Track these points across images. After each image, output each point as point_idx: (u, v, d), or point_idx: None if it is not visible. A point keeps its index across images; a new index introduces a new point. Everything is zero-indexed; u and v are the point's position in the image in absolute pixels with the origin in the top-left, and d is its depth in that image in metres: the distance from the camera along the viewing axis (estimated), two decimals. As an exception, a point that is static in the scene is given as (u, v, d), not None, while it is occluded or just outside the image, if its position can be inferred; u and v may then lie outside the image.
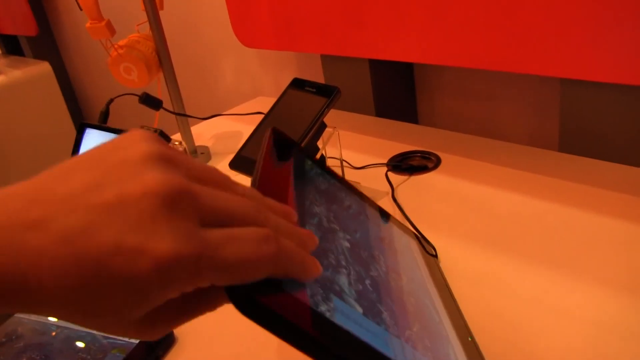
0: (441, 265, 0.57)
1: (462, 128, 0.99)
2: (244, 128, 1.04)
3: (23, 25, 1.85)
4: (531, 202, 0.66)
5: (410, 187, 0.74)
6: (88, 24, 0.85)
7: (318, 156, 0.71)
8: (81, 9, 0.83)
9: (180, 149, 0.88)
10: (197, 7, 1.37)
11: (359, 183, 0.76)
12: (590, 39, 0.62)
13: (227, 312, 0.27)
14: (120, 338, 0.51)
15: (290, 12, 0.96)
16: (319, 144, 0.70)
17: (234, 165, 0.71)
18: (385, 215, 0.52)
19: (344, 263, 0.34)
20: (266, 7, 1.00)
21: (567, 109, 0.75)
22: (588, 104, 0.73)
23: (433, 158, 0.79)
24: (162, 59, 0.89)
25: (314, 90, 0.71)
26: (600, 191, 0.66)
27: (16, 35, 2.05)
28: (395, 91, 1.03)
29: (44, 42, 2.01)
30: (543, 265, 0.56)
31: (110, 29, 0.84)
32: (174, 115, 0.93)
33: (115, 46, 0.87)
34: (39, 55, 1.99)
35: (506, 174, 0.73)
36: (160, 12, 0.90)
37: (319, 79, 1.12)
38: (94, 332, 0.52)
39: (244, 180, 0.65)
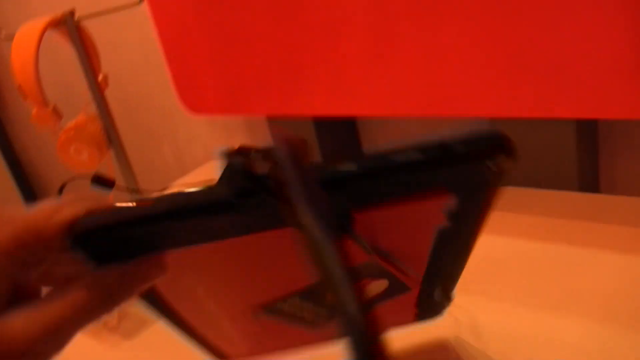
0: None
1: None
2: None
3: None
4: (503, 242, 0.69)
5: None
6: (34, 112, 0.86)
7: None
8: (25, 98, 0.85)
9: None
10: (143, 78, 1.40)
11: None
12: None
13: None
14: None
15: (232, 75, 1.00)
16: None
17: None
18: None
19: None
20: (208, 73, 1.04)
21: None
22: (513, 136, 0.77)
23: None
24: (110, 138, 0.91)
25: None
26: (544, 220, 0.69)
27: None
28: (342, 148, 1.07)
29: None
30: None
31: (57, 114, 0.86)
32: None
33: (64, 130, 0.89)
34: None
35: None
36: (107, 90, 0.93)
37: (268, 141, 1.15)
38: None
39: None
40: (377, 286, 0.39)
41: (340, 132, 1.06)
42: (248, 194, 0.26)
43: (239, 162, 0.27)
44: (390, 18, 0.73)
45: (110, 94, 0.93)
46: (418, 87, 0.75)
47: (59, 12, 0.83)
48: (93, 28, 0.94)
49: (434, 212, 0.32)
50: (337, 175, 0.27)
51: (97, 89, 0.88)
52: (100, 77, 0.90)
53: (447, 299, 0.43)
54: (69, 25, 0.82)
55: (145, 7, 1.02)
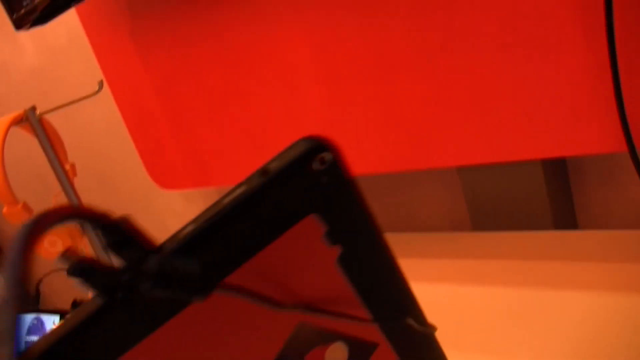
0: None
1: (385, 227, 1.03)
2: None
3: None
4: (455, 289, 0.70)
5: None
6: (5, 210, 0.86)
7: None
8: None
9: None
10: (111, 160, 1.41)
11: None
12: (461, 127, 0.70)
13: None
14: None
15: (199, 149, 1.02)
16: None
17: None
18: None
19: None
20: (175, 148, 1.05)
21: (468, 189, 0.82)
22: (483, 181, 0.80)
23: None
24: (83, 225, 0.91)
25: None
26: (522, 263, 0.70)
27: None
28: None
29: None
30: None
31: (28, 210, 0.86)
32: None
33: (35, 223, 0.89)
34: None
35: (429, 265, 0.77)
36: (75, 177, 0.93)
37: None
38: None
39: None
40: (335, 354, 0.38)
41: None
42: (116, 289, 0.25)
43: (86, 266, 0.25)
44: (342, 85, 0.76)
45: (80, 181, 0.93)
46: (383, 145, 0.78)
47: (20, 109, 0.84)
48: (57, 119, 0.95)
49: (314, 244, 0.30)
50: (180, 240, 0.26)
51: (66, 178, 0.88)
52: (67, 166, 0.91)
53: (426, 325, 0.40)
54: (32, 121, 0.83)
55: (105, 92, 1.04)
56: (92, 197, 1.02)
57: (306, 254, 0.30)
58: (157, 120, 1.02)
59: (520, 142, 0.66)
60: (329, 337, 0.35)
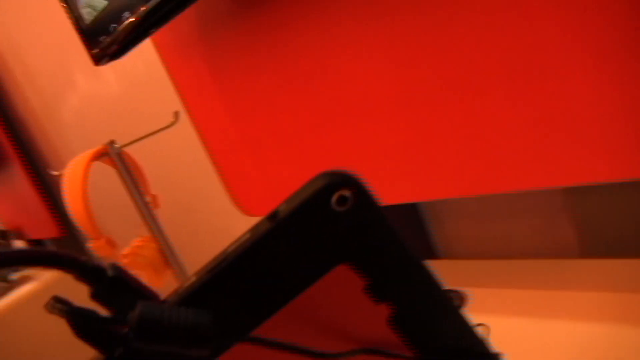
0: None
1: (481, 252, 0.96)
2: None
3: (47, 228, 1.92)
4: (580, 326, 0.61)
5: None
6: (91, 244, 0.87)
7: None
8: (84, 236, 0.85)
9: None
10: (193, 189, 1.41)
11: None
12: (576, 144, 0.61)
13: None
14: None
15: (279, 174, 0.98)
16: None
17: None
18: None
19: None
20: (257, 173, 1.03)
21: (578, 212, 0.73)
22: (596, 204, 0.70)
23: (458, 295, 0.76)
24: (168, 257, 0.90)
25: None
26: None
27: (42, 238, 2.12)
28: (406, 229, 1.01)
29: (71, 242, 2.06)
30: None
31: (112, 244, 0.86)
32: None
33: (120, 257, 0.89)
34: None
35: (539, 298, 0.68)
36: (158, 208, 0.92)
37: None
38: None
39: None
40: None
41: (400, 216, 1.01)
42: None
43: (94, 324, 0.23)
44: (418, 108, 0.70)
45: (164, 211, 0.92)
46: (460, 169, 0.70)
47: (101, 144, 0.84)
48: (138, 150, 0.95)
49: (358, 296, 0.25)
50: (180, 293, 0.24)
51: (147, 211, 0.87)
52: (149, 198, 0.90)
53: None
54: (112, 155, 0.83)
55: (182, 122, 1.04)
56: (177, 227, 1.01)
57: (350, 304, 0.26)
58: (237, 147, 1.00)
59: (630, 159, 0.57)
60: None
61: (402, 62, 0.69)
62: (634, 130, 0.55)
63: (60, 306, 0.22)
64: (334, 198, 0.22)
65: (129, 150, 0.88)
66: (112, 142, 0.83)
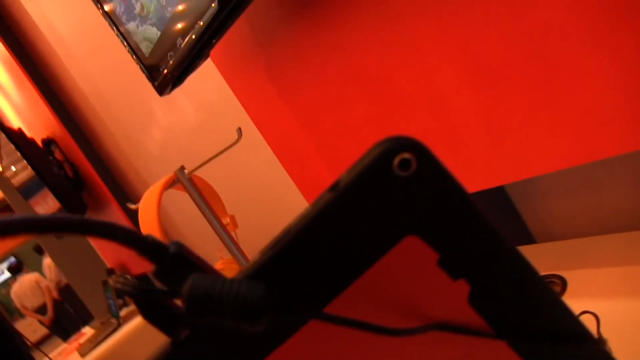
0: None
1: (580, 230, 0.88)
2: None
3: (146, 262, 2.00)
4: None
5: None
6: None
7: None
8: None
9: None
10: (272, 203, 1.40)
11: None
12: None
13: None
14: None
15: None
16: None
17: None
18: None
19: None
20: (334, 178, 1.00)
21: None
22: None
23: (557, 281, 0.68)
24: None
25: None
26: None
27: (145, 272, 2.21)
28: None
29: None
30: None
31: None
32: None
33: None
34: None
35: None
36: (237, 229, 0.92)
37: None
38: None
39: None
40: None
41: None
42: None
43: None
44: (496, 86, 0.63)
45: (243, 230, 0.92)
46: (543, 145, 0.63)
47: (171, 172, 0.84)
48: (212, 173, 0.95)
49: (431, 271, 0.23)
50: (245, 270, 0.22)
51: (225, 233, 0.87)
52: (226, 220, 0.89)
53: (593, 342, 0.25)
54: (183, 181, 0.83)
55: (252, 137, 1.03)
56: (257, 244, 1.00)
57: (425, 280, 0.23)
58: (309, 154, 0.97)
59: None
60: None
61: (463, 47, 0.64)
62: None
63: (124, 280, 0.22)
64: (396, 162, 0.21)
65: (201, 173, 0.88)
66: (182, 169, 0.83)
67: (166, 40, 0.88)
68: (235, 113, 1.16)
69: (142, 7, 0.89)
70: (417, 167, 0.21)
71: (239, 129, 0.81)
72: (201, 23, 0.75)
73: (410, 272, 0.23)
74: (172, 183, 0.83)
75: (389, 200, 0.22)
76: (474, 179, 0.74)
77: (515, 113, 0.64)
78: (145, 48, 0.95)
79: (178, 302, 0.23)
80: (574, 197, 0.86)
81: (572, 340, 0.24)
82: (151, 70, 0.95)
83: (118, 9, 0.95)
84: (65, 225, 0.21)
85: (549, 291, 0.24)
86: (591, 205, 0.85)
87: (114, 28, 0.98)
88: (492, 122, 0.66)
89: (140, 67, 0.97)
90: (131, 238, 0.22)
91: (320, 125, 0.92)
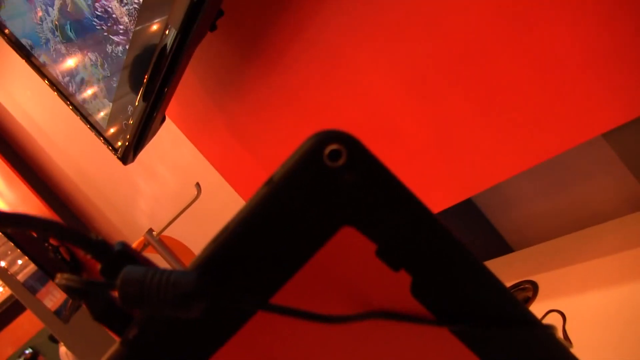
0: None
1: (553, 231, 0.87)
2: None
3: None
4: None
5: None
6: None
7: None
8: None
9: None
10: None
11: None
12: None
13: None
14: None
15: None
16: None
17: None
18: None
19: None
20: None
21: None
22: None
23: (529, 286, 0.68)
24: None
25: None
26: None
27: None
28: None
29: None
30: None
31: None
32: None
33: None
34: None
35: (612, 264, 0.60)
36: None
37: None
38: None
39: None
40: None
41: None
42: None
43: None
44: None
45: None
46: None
47: (140, 236, 0.85)
48: (177, 230, 0.96)
49: (370, 262, 0.23)
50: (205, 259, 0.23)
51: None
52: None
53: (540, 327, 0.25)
54: (152, 243, 0.84)
55: (215, 186, 1.04)
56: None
57: (366, 272, 0.23)
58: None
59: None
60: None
61: (402, 59, 0.65)
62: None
63: (69, 277, 0.23)
64: (326, 153, 0.21)
65: (171, 234, 0.89)
66: (149, 231, 0.84)
67: (118, 110, 0.90)
68: (185, 169, 1.17)
69: (84, 81, 0.92)
70: (347, 158, 0.21)
71: (197, 184, 0.82)
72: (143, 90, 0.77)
73: (351, 263, 0.23)
74: (143, 247, 0.84)
75: (322, 192, 0.22)
76: (437, 197, 0.74)
77: (461, 125, 0.64)
78: (103, 122, 0.97)
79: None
80: (543, 200, 0.86)
81: (514, 325, 0.24)
82: (112, 143, 0.97)
83: (71, 88, 0.97)
84: (16, 221, 0.22)
85: (489, 277, 0.24)
86: (560, 204, 0.85)
87: (67, 103, 1.00)
88: (441, 136, 0.67)
89: (103, 141, 0.99)
90: (77, 237, 0.23)
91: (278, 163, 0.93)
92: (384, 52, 0.64)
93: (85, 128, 1.08)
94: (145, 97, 0.79)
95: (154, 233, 0.83)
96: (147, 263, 0.24)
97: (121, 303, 0.22)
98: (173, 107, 1.02)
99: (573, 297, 0.60)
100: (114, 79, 0.86)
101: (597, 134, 0.54)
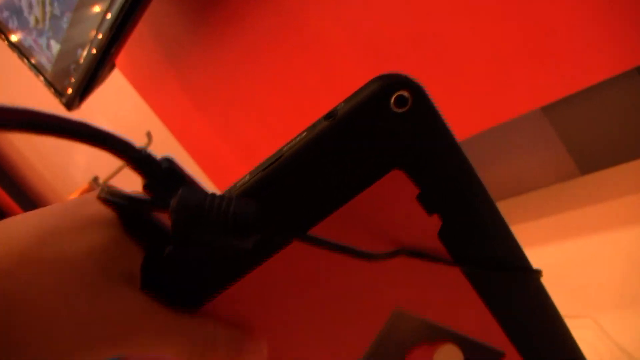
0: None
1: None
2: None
3: None
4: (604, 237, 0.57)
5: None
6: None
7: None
8: None
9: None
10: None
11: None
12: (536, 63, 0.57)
13: None
14: None
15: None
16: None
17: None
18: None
19: None
20: (245, 169, 1.00)
21: (563, 130, 0.69)
22: (578, 116, 0.66)
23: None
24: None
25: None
26: None
27: None
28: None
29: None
30: None
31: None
32: None
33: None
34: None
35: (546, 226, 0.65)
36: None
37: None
38: None
39: None
40: (446, 357, 0.29)
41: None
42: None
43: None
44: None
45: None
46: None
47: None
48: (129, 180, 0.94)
49: (409, 205, 0.24)
50: (234, 189, 0.23)
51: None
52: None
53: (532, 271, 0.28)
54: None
55: (162, 139, 1.02)
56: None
57: (403, 213, 0.24)
58: (225, 154, 0.98)
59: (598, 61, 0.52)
60: (435, 331, 0.28)
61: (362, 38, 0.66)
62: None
63: (110, 190, 0.22)
64: (393, 98, 0.22)
65: (117, 181, 0.87)
66: (95, 178, 0.82)
67: (67, 52, 0.86)
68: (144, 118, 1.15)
69: (36, 19, 0.88)
70: (412, 105, 0.22)
71: (149, 132, 0.81)
72: (99, 34, 0.75)
73: (391, 204, 0.24)
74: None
75: (382, 134, 0.22)
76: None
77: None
78: (47, 64, 0.93)
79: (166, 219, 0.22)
80: (478, 168, 0.90)
81: (515, 270, 0.27)
82: (57, 86, 0.93)
83: (11, 24, 0.93)
84: (55, 126, 0.20)
85: (506, 228, 0.26)
86: (495, 173, 0.90)
87: (4, 39, 0.96)
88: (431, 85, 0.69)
89: (45, 83, 0.95)
90: (124, 147, 0.21)
91: (232, 125, 0.93)
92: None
93: (20, 70, 1.03)
94: (98, 41, 0.77)
95: (100, 181, 0.81)
96: (195, 183, 0.23)
97: (173, 225, 0.21)
98: (122, 58, 1.00)
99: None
100: (65, 19, 0.83)
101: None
